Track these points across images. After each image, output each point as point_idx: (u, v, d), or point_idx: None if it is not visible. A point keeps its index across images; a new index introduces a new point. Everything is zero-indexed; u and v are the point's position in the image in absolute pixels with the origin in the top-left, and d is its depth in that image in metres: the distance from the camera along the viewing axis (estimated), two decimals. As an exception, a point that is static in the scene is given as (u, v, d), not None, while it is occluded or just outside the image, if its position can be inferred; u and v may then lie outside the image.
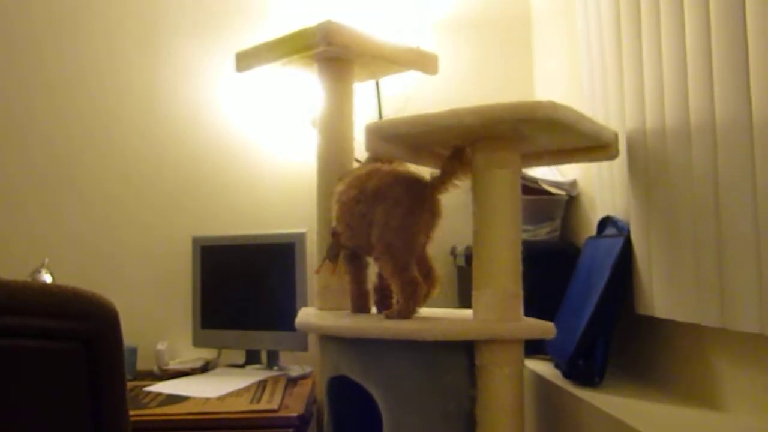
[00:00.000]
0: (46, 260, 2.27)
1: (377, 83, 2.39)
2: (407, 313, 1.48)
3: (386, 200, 1.48)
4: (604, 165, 1.76)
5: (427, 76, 2.13)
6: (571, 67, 2.14)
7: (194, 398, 1.88)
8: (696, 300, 1.33)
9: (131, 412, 1.04)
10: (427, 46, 2.21)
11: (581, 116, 1.36)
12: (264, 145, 2.52)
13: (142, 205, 2.53)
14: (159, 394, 1.95)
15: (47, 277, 2.20)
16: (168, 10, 2.56)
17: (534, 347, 1.76)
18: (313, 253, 1.78)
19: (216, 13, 2.57)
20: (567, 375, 1.65)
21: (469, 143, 1.44)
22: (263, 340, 2.28)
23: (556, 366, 1.74)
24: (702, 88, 1.28)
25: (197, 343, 2.39)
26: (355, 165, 1.84)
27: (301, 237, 2.21)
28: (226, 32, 2.55)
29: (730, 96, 1.20)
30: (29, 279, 2.16)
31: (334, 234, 1.59)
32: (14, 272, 2.32)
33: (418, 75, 2.15)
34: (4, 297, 0.90)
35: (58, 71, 2.54)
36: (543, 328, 1.41)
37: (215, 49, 2.55)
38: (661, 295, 1.46)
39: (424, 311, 1.58)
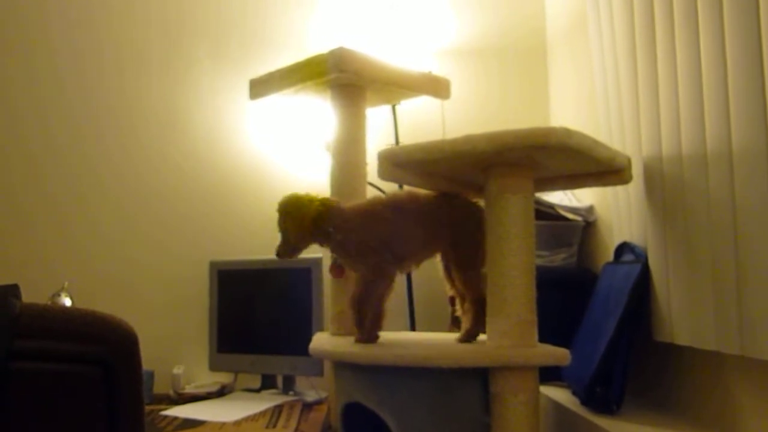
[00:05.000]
0: (66, 284, 2.29)
1: (393, 108, 2.41)
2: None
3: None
4: (621, 191, 1.76)
5: (442, 101, 2.14)
6: (587, 93, 2.15)
7: (210, 422, 1.88)
8: (715, 327, 1.32)
9: (148, 437, 1.04)
10: (442, 72, 2.23)
11: (595, 142, 1.36)
12: (280, 170, 2.54)
13: (160, 229, 2.56)
14: (175, 418, 1.95)
15: (67, 301, 2.22)
16: (186, 37, 2.61)
17: (551, 374, 1.74)
18: (328, 279, 1.79)
19: (233, 41, 2.61)
20: (584, 402, 1.63)
21: (483, 169, 1.45)
22: (279, 364, 2.28)
23: (574, 393, 1.73)
24: (718, 114, 1.28)
25: (213, 367, 2.39)
26: (370, 189, 1.86)
27: (317, 262, 2.21)
28: (244, 59, 2.59)
29: (746, 122, 1.19)
30: (49, 302, 2.18)
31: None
32: (34, 295, 2.32)
33: (433, 101, 2.16)
34: (25, 321, 0.91)
35: (76, 97, 2.58)
36: (557, 355, 1.39)
37: (232, 75, 2.58)
38: (679, 321, 1.45)
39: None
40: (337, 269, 1.61)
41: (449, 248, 1.57)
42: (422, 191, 1.58)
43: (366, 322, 1.55)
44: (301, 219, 1.52)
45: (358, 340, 1.56)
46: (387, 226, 1.53)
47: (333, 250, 1.58)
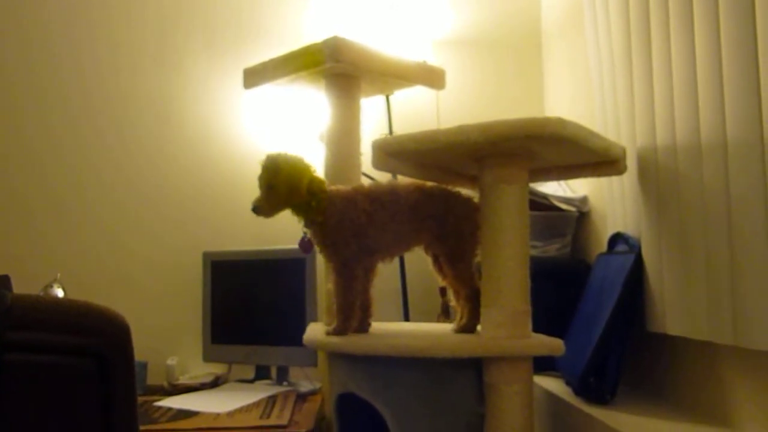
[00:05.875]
0: (59, 275, 2.28)
1: (388, 98, 2.40)
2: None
3: None
4: (615, 181, 1.76)
5: (436, 92, 2.13)
6: (581, 83, 2.15)
7: (204, 413, 1.88)
8: (708, 317, 1.32)
9: (142, 428, 1.04)
10: (437, 62, 2.22)
11: (589, 132, 1.36)
12: (275, 161, 2.52)
13: (153, 220, 2.55)
14: (169, 409, 1.95)
15: (59, 292, 2.21)
16: (180, 27, 2.59)
17: (544, 364, 1.75)
18: (322, 269, 1.78)
19: (227, 31, 2.59)
20: (578, 392, 1.64)
21: (477, 159, 1.45)
22: (273, 355, 2.28)
23: (567, 383, 1.73)
24: (713, 104, 1.28)
25: (207, 358, 2.39)
26: (364, 179, 1.85)
27: (311, 253, 2.21)
28: (236, 49, 2.57)
29: (740, 112, 1.19)
30: (41, 294, 2.17)
31: None
32: (26, 287, 2.32)
33: (428, 91, 2.16)
34: (17, 312, 0.91)
35: (72, 87, 2.57)
36: (551, 345, 1.40)
37: (225, 65, 2.57)
38: (672, 312, 1.45)
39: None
40: (306, 244, 1.58)
41: (435, 242, 1.55)
42: (405, 184, 1.55)
43: (337, 314, 1.52)
44: (297, 181, 1.48)
45: (328, 333, 1.52)
46: (364, 217, 1.50)
47: (307, 226, 1.54)
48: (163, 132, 2.57)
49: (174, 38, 2.59)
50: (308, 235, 1.56)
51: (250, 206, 1.51)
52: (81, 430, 0.94)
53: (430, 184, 1.56)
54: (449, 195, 1.55)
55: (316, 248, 1.56)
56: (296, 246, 1.58)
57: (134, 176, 2.56)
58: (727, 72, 1.22)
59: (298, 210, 1.52)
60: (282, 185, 1.48)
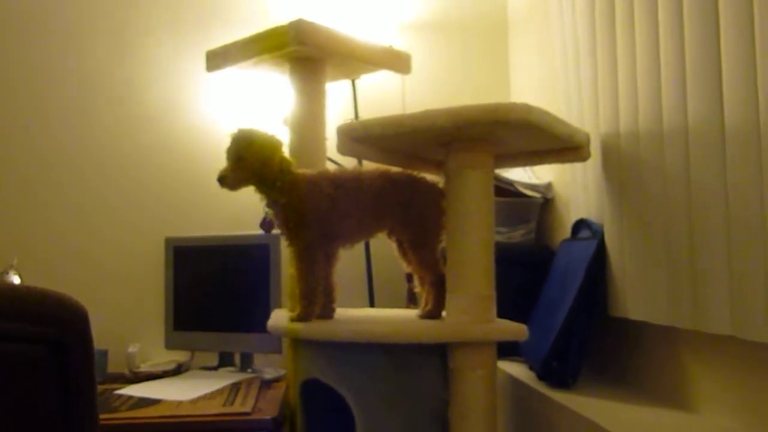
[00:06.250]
0: (15, 261, 2.23)
1: (353, 83, 2.39)
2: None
3: None
4: (579, 168, 1.78)
5: (402, 76, 2.13)
6: (547, 70, 2.16)
7: (166, 401, 1.86)
8: (668, 302, 1.35)
9: (102, 416, 1.02)
10: (402, 47, 2.21)
11: (554, 118, 1.37)
12: (239, 146, 2.49)
13: (113, 205, 2.50)
14: (130, 397, 1.92)
15: (15, 279, 2.16)
16: (140, 8, 2.53)
17: (508, 349, 1.76)
18: (286, 255, 1.77)
19: (189, 11, 2.54)
20: (541, 377, 1.66)
21: (442, 144, 1.44)
22: (237, 342, 2.26)
23: (531, 368, 1.75)
24: (675, 91, 1.29)
25: (170, 345, 2.36)
26: (329, 165, 1.84)
27: (275, 239, 2.19)
28: (199, 30, 2.53)
29: (702, 99, 1.21)
30: (-3, 280, 2.12)
31: None
32: (-19, 273, 2.27)
33: (393, 76, 2.15)
34: (-30, 300, 0.88)
35: (29, 69, 2.49)
36: (515, 331, 1.41)
37: (187, 48, 2.52)
38: (634, 297, 1.47)
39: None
40: (267, 224, 1.57)
41: (399, 228, 1.55)
42: (369, 170, 1.55)
43: (300, 300, 1.51)
44: (269, 155, 1.46)
45: (291, 319, 1.51)
46: (327, 201, 1.49)
47: (269, 206, 1.53)
48: (125, 114, 2.52)
49: (137, 20, 2.53)
50: (269, 216, 1.54)
51: (213, 191, 1.48)
52: (39, 420, 0.92)
53: (394, 170, 1.56)
54: (413, 181, 1.54)
55: (278, 230, 1.54)
56: (260, 231, 1.57)
57: (95, 159, 2.50)
58: (690, 60, 1.24)
59: (263, 188, 1.50)
60: (254, 157, 1.46)
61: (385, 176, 1.53)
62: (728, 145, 1.15)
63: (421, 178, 1.56)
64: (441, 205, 1.49)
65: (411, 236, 1.53)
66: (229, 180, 1.48)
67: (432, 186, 1.54)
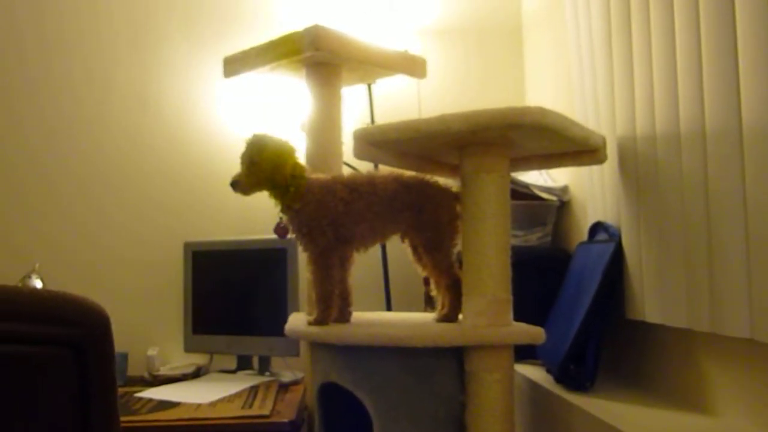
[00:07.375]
0: (37, 265, 2.26)
1: (369, 88, 2.40)
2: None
3: None
4: (595, 171, 1.77)
5: (417, 81, 2.13)
6: (562, 73, 2.15)
7: (185, 404, 1.87)
8: (686, 305, 1.34)
9: (122, 419, 1.04)
10: (418, 52, 2.22)
11: (569, 121, 1.37)
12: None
13: (133, 209, 2.53)
14: (150, 400, 1.94)
15: (38, 283, 2.19)
16: (157, 13, 2.56)
17: (525, 352, 1.76)
18: (304, 259, 1.78)
19: (206, 17, 2.57)
20: (558, 380, 1.65)
21: (458, 148, 1.45)
22: (255, 345, 2.28)
23: (548, 371, 1.75)
24: (692, 94, 1.28)
25: (188, 348, 2.38)
26: (345, 169, 1.84)
27: (292, 243, 2.21)
28: (215, 37, 2.55)
29: (720, 102, 1.20)
30: (19, 284, 2.15)
31: None
32: (4, 277, 2.30)
33: (409, 80, 2.15)
34: (-6, 303, 0.90)
35: (44, 76, 2.53)
36: (532, 334, 1.41)
37: (205, 53, 2.55)
38: (651, 300, 1.46)
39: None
40: (281, 229, 1.58)
41: (412, 231, 1.55)
42: (383, 174, 1.55)
43: (317, 304, 1.52)
44: (282, 161, 1.48)
45: (309, 323, 1.52)
46: (341, 206, 1.50)
47: (284, 212, 1.54)
48: (142, 122, 2.55)
49: (153, 26, 2.56)
50: (284, 221, 1.55)
51: (230, 196, 1.50)
52: (60, 422, 0.93)
53: (408, 174, 1.56)
54: (426, 185, 1.55)
55: (293, 236, 1.55)
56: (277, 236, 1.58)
57: (114, 166, 2.54)
58: (706, 62, 1.23)
59: (276, 193, 1.51)
60: (266, 162, 1.48)
61: (398, 180, 1.53)
62: (746, 147, 1.14)
63: (434, 181, 1.56)
64: (454, 208, 1.50)
65: (424, 239, 1.54)
66: (242, 185, 1.51)
67: (445, 189, 1.54)
